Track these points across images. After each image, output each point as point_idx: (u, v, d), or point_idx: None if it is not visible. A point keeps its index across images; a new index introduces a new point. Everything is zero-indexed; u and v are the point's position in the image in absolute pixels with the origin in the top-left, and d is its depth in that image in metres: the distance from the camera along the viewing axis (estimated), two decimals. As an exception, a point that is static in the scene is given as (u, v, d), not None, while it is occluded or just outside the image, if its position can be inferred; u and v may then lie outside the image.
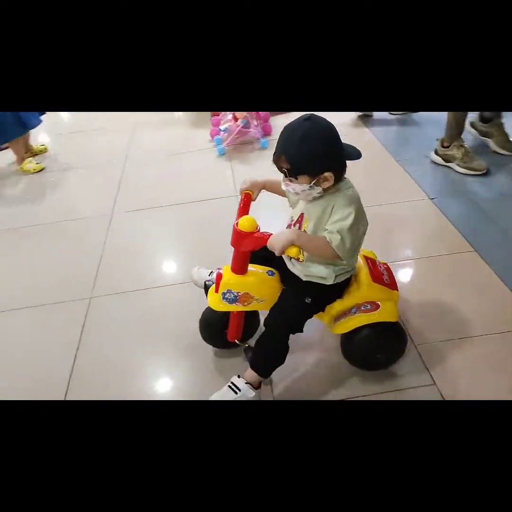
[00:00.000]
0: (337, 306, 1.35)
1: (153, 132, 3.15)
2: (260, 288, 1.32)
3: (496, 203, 2.09)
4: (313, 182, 1.14)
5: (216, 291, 1.33)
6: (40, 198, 2.62)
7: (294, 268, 1.33)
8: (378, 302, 1.32)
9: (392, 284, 1.39)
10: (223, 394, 1.31)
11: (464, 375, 1.38)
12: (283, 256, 1.32)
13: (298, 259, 1.26)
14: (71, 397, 1.43)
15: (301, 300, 1.28)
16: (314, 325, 1.38)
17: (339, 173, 1.16)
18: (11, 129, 2.60)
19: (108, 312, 1.75)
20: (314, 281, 1.29)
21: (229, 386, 1.32)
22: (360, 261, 1.38)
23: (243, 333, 1.45)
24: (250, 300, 1.32)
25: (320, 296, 1.31)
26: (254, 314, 1.48)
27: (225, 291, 1.31)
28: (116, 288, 1.83)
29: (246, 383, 1.31)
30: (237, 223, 1.21)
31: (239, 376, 1.33)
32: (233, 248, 1.26)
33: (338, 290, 1.33)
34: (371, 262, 1.40)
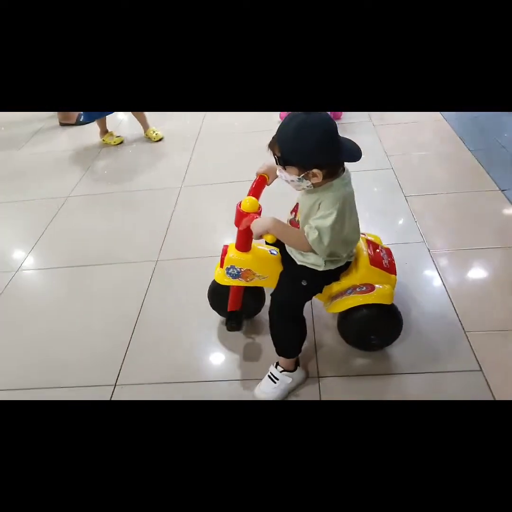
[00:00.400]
0: (335, 287, 1.37)
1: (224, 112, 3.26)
2: (262, 265, 1.37)
3: None
4: (301, 175, 1.13)
5: (221, 266, 1.39)
6: (117, 168, 2.83)
7: (290, 252, 1.35)
8: (374, 285, 1.33)
9: (391, 268, 1.39)
10: (264, 385, 1.37)
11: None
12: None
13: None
14: (132, 347, 1.59)
15: (298, 284, 1.31)
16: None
17: (330, 171, 1.14)
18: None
19: (170, 275, 1.89)
20: (308, 266, 1.31)
21: (269, 376, 1.38)
22: (361, 244, 1.39)
23: (251, 308, 1.54)
24: (252, 276, 1.37)
25: (315, 279, 1.33)
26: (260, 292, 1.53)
27: (229, 267, 1.37)
28: (179, 254, 1.97)
29: (281, 371, 1.36)
30: (240, 203, 1.26)
31: (276, 364, 1.38)
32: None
33: (333, 274, 1.35)
34: (372, 246, 1.41)
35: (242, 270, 1.37)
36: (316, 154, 1.09)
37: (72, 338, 1.66)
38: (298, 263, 1.33)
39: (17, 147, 3.17)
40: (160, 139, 2.99)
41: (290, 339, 1.37)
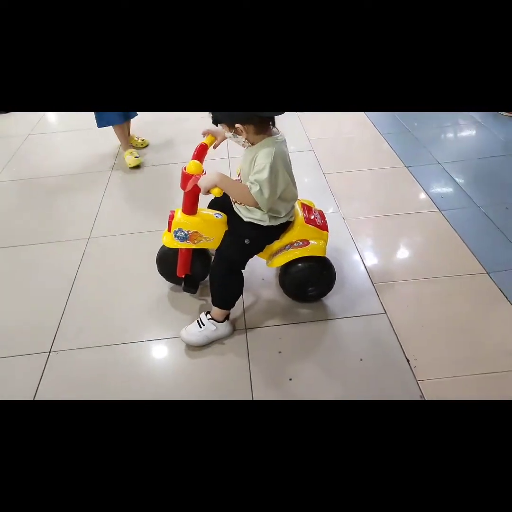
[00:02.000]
0: (276, 244, 1.54)
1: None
2: (208, 227, 1.48)
3: None
4: (232, 132, 1.28)
5: (169, 230, 1.50)
6: (47, 156, 2.81)
7: (238, 210, 1.48)
8: (309, 240, 1.51)
9: (323, 226, 1.58)
10: (191, 327, 1.51)
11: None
12: (231, 199, 1.47)
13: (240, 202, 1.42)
14: (67, 315, 1.63)
15: (241, 242, 1.45)
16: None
17: (256, 127, 1.27)
18: (111, 115, 2.43)
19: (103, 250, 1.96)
20: (254, 222, 1.44)
21: (197, 321, 1.51)
22: (297, 206, 1.56)
23: (198, 273, 1.63)
24: (199, 238, 1.49)
25: (257, 237, 1.47)
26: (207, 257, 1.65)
27: (177, 230, 1.48)
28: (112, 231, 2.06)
29: (209, 318, 1.50)
30: (184, 167, 1.38)
31: (207, 313, 1.52)
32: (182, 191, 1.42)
33: (274, 232, 1.50)
34: (306, 208, 1.60)
35: (189, 232, 1.48)
36: (236, 114, 1.24)
37: (4, 310, 1.71)
38: (245, 219, 1.46)
39: None
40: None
41: (227, 292, 1.50)
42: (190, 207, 1.46)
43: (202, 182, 1.33)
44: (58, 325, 1.62)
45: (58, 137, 3.02)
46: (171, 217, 1.50)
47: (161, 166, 2.56)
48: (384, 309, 1.59)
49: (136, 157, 2.53)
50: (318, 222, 1.57)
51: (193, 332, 1.51)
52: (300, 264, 1.53)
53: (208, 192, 1.33)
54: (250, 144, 1.33)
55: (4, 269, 1.92)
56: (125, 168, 2.55)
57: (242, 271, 1.52)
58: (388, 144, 2.61)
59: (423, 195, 2.16)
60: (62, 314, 1.66)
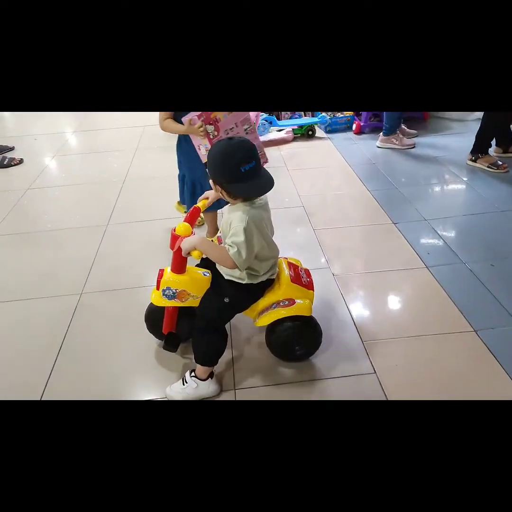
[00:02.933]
0: (262, 303, 1.55)
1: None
2: (195, 285, 1.52)
3: None
4: (216, 187, 1.36)
5: (157, 288, 1.54)
6: (43, 209, 2.83)
7: (219, 268, 1.52)
8: (295, 299, 1.54)
9: (309, 285, 1.61)
10: (175, 385, 1.53)
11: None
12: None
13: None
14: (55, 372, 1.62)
15: (221, 300, 1.48)
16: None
17: (230, 194, 1.33)
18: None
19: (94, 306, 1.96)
20: (233, 280, 1.48)
21: (182, 379, 1.53)
22: (283, 265, 1.61)
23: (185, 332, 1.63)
24: (187, 297, 1.52)
25: (237, 295, 1.49)
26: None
27: (165, 288, 1.51)
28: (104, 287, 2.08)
29: (192, 376, 1.51)
30: (174, 228, 1.45)
31: (192, 371, 1.53)
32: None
33: (256, 291, 1.52)
34: (293, 267, 1.63)
35: (177, 290, 1.51)
36: (212, 171, 1.34)
37: None
38: (225, 277, 1.50)
39: None
40: None
41: (207, 349, 1.51)
42: (179, 266, 1.51)
43: (184, 245, 1.40)
44: (47, 381, 1.61)
45: (56, 192, 3.09)
46: (160, 276, 1.54)
47: (156, 221, 2.62)
48: (373, 369, 1.59)
49: None
50: (304, 281, 1.60)
51: (176, 390, 1.52)
52: (286, 324, 1.54)
53: (188, 254, 1.40)
54: (229, 202, 1.40)
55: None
56: (123, 222, 2.61)
57: (227, 328, 1.53)
58: (376, 200, 2.70)
59: (410, 251, 2.21)
60: (51, 371, 1.65)
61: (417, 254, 2.18)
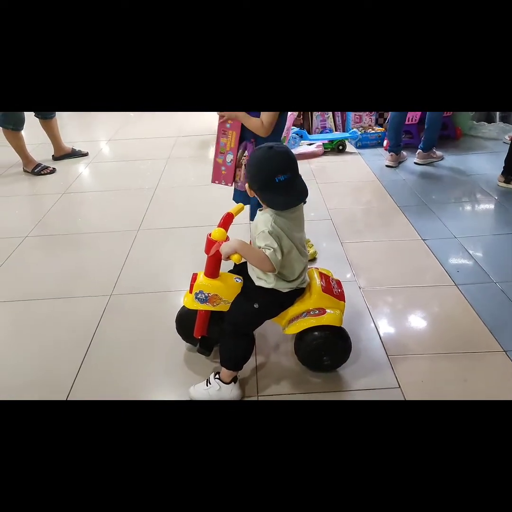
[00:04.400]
0: (292, 311, 1.56)
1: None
2: (227, 291, 1.53)
3: None
4: (250, 191, 1.40)
5: (190, 292, 1.57)
6: (75, 212, 2.94)
7: (252, 272, 1.54)
8: (326, 309, 1.54)
9: (340, 296, 1.61)
10: (198, 385, 1.55)
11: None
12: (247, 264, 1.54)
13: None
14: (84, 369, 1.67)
15: (250, 305, 1.49)
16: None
17: (265, 201, 1.38)
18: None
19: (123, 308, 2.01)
20: (263, 285, 1.49)
21: (206, 380, 1.54)
22: (315, 275, 1.62)
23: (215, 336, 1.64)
24: (218, 301, 1.54)
25: (267, 302, 1.50)
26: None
27: (198, 292, 1.53)
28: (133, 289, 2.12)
29: (216, 378, 1.53)
30: (210, 233, 1.48)
31: (216, 373, 1.54)
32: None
33: (285, 299, 1.53)
34: (324, 277, 1.64)
35: (209, 295, 1.53)
36: (251, 178, 1.38)
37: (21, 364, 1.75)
38: (256, 283, 1.52)
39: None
40: None
41: (234, 354, 1.52)
42: (212, 270, 1.53)
43: (224, 249, 1.41)
44: (74, 380, 1.65)
45: (89, 197, 3.20)
46: (194, 280, 1.57)
47: (186, 228, 2.67)
48: (398, 383, 1.57)
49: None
50: (335, 292, 1.60)
51: (198, 389, 1.54)
52: (315, 333, 1.54)
53: (228, 258, 1.41)
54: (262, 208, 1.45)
55: (23, 322, 1.99)
56: (154, 228, 2.67)
57: (254, 334, 1.55)
58: (405, 216, 2.68)
59: (439, 268, 2.18)
60: (79, 369, 1.69)
61: (446, 271, 2.15)
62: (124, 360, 1.74)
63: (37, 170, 3.48)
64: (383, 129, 3.79)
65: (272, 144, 1.34)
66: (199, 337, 1.64)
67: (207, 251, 1.49)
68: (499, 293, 1.99)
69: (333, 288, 1.62)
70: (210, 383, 1.53)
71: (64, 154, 3.75)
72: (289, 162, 1.33)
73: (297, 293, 1.56)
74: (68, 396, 1.58)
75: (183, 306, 1.64)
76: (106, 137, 4.42)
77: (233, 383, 1.54)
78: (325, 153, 3.65)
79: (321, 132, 3.94)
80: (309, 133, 3.84)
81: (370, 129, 3.82)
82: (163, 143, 4.02)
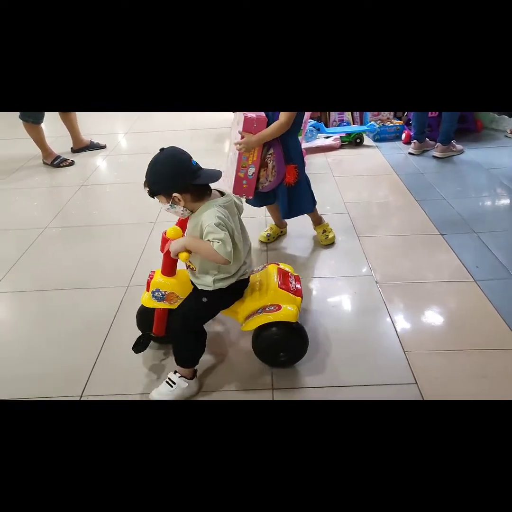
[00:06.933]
0: (248, 307, 1.56)
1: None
2: (184, 288, 1.53)
3: None
4: (170, 202, 1.35)
5: (147, 290, 1.57)
6: (94, 205, 2.98)
7: (193, 278, 1.52)
8: (282, 305, 1.53)
9: (297, 292, 1.60)
10: (161, 388, 1.51)
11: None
12: (187, 269, 1.52)
13: (192, 268, 1.47)
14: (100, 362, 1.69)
15: (199, 300, 1.49)
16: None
17: (194, 194, 1.36)
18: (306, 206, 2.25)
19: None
20: (204, 289, 1.48)
21: (166, 381, 1.51)
22: (273, 271, 1.63)
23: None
24: (175, 299, 1.55)
25: (214, 296, 1.48)
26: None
27: (155, 290, 1.54)
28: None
29: (180, 376, 1.50)
30: (165, 231, 1.46)
31: (175, 372, 1.52)
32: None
33: (228, 292, 1.50)
34: (282, 273, 1.64)
35: (166, 293, 1.54)
36: (170, 182, 1.34)
37: (38, 353, 1.78)
38: (198, 287, 1.50)
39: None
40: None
41: (188, 350, 1.52)
42: (168, 269, 1.53)
43: (173, 246, 1.40)
44: (90, 372, 1.67)
45: (107, 189, 3.23)
46: (151, 277, 1.57)
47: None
48: (415, 379, 1.56)
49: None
50: (292, 288, 1.60)
51: (164, 392, 1.50)
52: (272, 329, 1.53)
53: (176, 256, 1.40)
54: (190, 212, 1.40)
55: (42, 311, 2.02)
56: (171, 221, 2.67)
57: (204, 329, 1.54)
58: (423, 210, 2.64)
59: (458, 264, 2.15)
60: (95, 361, 1.72)
61: (465, 267, 2.12)
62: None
63: (56, 162, 3.52)
64: (402, 122, 3.74)
65: (162, 149, 1.38)
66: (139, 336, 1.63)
67: (161, 249, 1.48)
68: (520, 290, 1.96)
69: (290, 284, 1.61)
70: (174, 383, 1.50)
71: (82, 147, 3.79)
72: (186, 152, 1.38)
73: (244, 284, 1.56)
74: (83, 389, 1.60)
75: (142, 304, 1.63)
76: (123, 130, 4.45)
77: (195, 377, 1.55)
78: (342, 146, 3.62)
79: (338, 125, 3.90)
80: (326, 126, 3.81)
81: (389, 122, 3.76)
82: (179, 136, 4.04)
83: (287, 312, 1.52)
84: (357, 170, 3.26)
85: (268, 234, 2.40)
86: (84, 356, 1.74)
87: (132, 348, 1.61)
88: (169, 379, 1.51)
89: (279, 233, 2.44)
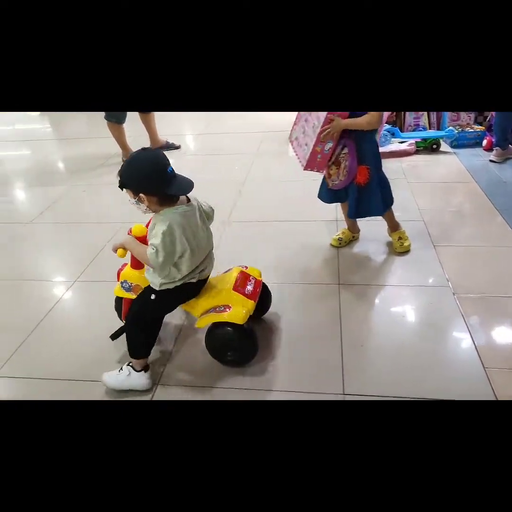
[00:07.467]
0: (203, 305, 1.62)
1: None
2: (147, 282, 1.58)
3: None
4: (136, 199, 1.39)
5: (118, 280, 1.69)
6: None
7: (146, 274, 1.58)
8: (231, 306, 1.58)
9: (251, 295, 1.63)
10: (110, 372, 1.61)
11: None
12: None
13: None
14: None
15: (148, 297, 1.55)
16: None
17: (160, 199, 1.40)
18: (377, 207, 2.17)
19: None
20: (152, 287, 1.54)
21: (120, 368, 1.61)
22: (234, 273, 1.67)
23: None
24: (140, 291, 1.62)
25: (162, 295, 1.53)
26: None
27: (123, 281, 1.66)
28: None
29: (129, 365, 1.59)
30: (130, 229, 1.53)
31: (129, 362, 1.60)
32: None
33: (178, 292, 1.54)
34: (242, 275, 1.67)
35: (132, 284, 1.65)
36: (141, 182, 1.38)
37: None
38: (150, 284, 1.56)
39: (83, 177, 3.58)
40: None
41: (137, 342, 1.59)
42: (136, 262, 1.63)
43: (114, 242, 1.52)
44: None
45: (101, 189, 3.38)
46: (121, 269, 1.69)
47: (270, 222, 2.70)
48: (495, 398, 1.48)
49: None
50: (247, 291, 1.62)
51: (111, 375, 1.61)
52: (221, 328, 1.60)
53: (115, 250, 1.50)
54: (153, 212, 1.45)
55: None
56: (242, 221, 2.73)
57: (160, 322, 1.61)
58: (504, 219, 2.50)
59: (543, 278, 2.02)
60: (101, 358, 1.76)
61: (552, 282, 1.99)
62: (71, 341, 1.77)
63: None
64: (483, 128, 3.56)
65: (146, 147, 1.43)
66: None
67: None
68: None
69: (246, 287, 1.64)
70: (121, 370, 1.59)
71: (159, 146, 3.95)
72: (167, 159, 1.41)
73: (199, 284, 1.59)
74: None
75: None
76: (196, 131, 4.59)
77: (143, 371, 1.59)
78: (417, 152, 3.51)
79: (413, 130, 3.78)
80: (401, 130, 3.71)
81: (468, 128, 3.60)
82: (251, 137, 4.10)
83: (235, 313, 1.56)
84: (433, 177, 3.14)
85: (340, 238, 2.38)
86: (93, 347, 1.80)
87: (110, 336, 1.71)
88: (122, 367, 1.61)
89: (351, 238, 2.41)
